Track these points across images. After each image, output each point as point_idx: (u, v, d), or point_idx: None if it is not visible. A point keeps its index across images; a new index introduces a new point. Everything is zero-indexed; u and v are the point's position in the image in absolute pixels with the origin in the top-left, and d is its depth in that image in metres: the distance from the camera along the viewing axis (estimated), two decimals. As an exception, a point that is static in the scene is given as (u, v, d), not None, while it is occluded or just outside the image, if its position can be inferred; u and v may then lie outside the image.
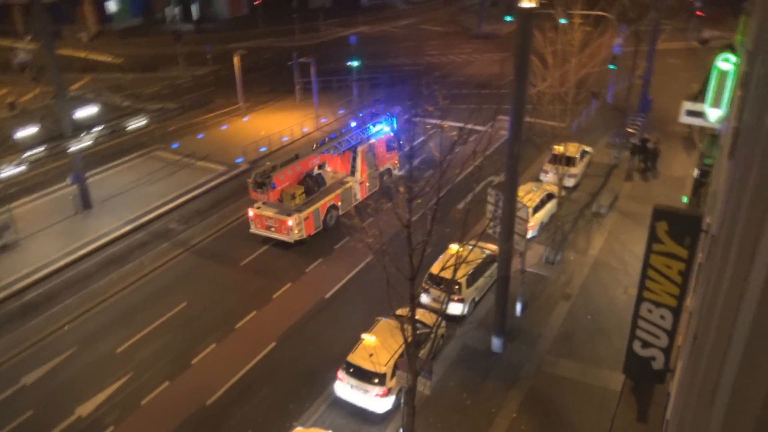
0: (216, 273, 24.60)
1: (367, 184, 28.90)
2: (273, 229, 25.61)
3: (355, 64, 40.46)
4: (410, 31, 64.79)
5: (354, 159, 28.28)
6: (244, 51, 42.64)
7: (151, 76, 50.53)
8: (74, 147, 28.63)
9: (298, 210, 25.51)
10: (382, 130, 29.60)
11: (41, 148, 31.87)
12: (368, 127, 29.00)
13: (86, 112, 33.93)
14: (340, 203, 27.34)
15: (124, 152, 35.99)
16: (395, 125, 29.66)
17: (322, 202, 26.36)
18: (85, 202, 29.39)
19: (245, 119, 40.42)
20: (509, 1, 58.24)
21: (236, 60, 39.52)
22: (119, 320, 22.03)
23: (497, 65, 47.13)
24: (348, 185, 27.87)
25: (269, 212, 25.55)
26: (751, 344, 2.65)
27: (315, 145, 28.08)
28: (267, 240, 26.31)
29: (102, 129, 38.09)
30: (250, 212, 26.10)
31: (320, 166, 28.29)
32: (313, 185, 27.06)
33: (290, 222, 25.05)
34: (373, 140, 29.00)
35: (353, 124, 29.64)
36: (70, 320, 22.09)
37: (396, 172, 30.54)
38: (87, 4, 64.12)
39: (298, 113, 40.22)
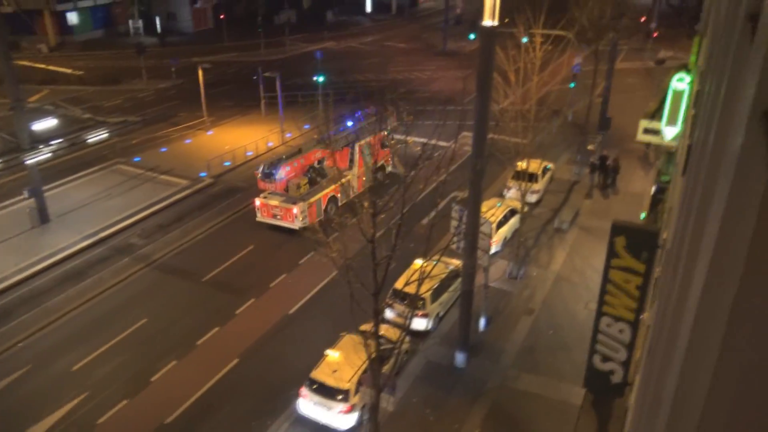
0: (178, 289, 24.20)
1: (364, 179, 30.64)
2: (279, 216, 27.41)
3: (320, 79, 40.55)
4: (375, 48, 65.28)
5: (352, 154, 30.18)
6: (209, 65, 42.36)
7: (112, 89, 49.79)
8: (32, 159, 27.97)
9: (303, 199, 27.24)
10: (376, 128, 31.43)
11: (-3, 161, 31.04)
12: (364, 126, 30.93)
13: (45, 124, 33.18)
14: (339, 195, 28.93)
15: (84, 165, 35.28)
16: (389, 125, 31.82)
17: (324, 192, 28.15)
18: (42, 216, 28.65)
19: (209, 133, 40.08)
20: (473, 20, 59.23)
21: (200, 73, 39.24)
22: (76, 337, 21.46)
23: (461, 82, 47.70)
24: (347, 178, 29.13)
25: (275, 201, 27.43)
26: (689, 355, 2.73)
27: (316, 141, 29.87)
28: (232, 253, 26.03)
29: (61, 142, 37.29)
30: (257, 201, 27.93)
31: (320, 161, 30.49)
32: (315, 177, 29.23)
33: (295, 210, 26.82)
34: (369, 138, 30.60)
35: (350, 123, 31.73)
36: (25, 337, 21.42)
37: (389, 169, 32.64)
38: (47, 15, 62.97)
39: (264, 128, 40.05)
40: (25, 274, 24.80)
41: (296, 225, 26.93)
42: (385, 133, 31.79)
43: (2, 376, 19.67)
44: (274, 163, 28.34)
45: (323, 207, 28.13)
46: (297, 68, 51.95)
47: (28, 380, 19.58)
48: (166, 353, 20.50)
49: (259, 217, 27.96)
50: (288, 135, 38.88)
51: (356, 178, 30.13)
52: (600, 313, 12.10)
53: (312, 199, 27.53)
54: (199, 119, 41.35)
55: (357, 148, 30.06)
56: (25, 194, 28.57)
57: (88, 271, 25.29)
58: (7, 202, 30.66)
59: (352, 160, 30.27)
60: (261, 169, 28.45)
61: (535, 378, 18.87)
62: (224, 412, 18.08)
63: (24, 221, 28.42)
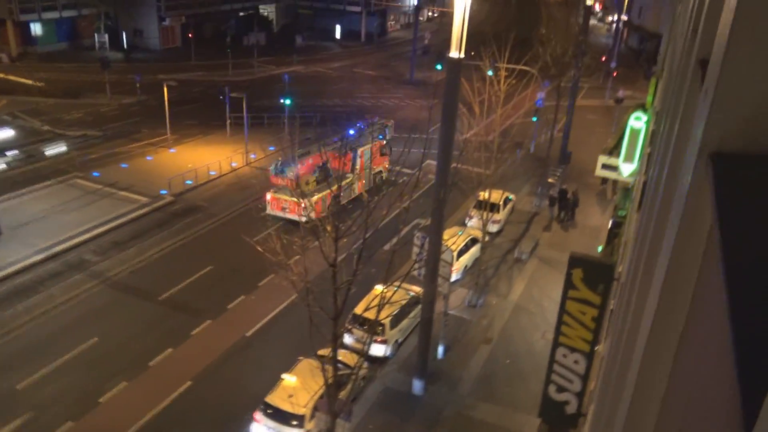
0: (132, 308, 23.61)
1: (363, 181, 33.26)
2: (287, 210, 29.69)
3: (287, 102, 40.58)
4: (344, 73, 65.73)
5: (354, 159, 32.51)
6: (174, 82, 41.96)
7: (74, 102, 48.84)
8: (-15, 170, 27.20)
9: (310, 194, 28.37)
10: (376, 137, 34.54)
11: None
12: (365, 134, 33.60)
13: (1, 134, 32.36)
14: (342, 194, 30.23)
15: (40, 178, 34.35)
16: (387, 134, 35.21)
17: (328, 190, 28.85)
18: (-7, 228, 27.77)
19: (172, 151, 39.57)
20: (440, 51, 60.24)
21: (165, 90, 38.82)
22: (22, 355, 20.68)
23: (426, 111, 48.26)
24: (348, 180, 31.80)
25: (284, 195, 29.56)
26: (638, 387, 2.81)
27: (323, 143, 31.87)
28: (190, 273, 25.56)
29: (17, 153, 36.38)
30: (268, 195, 30.46)
31: (325, 163, 31.77)
32: (322, 176, 30.87)
33: (304, 204, 28.29)
34: (369, 145, 33.46)
35: (352, 131, 33.81)
36: (-33, 355, 20.60)
37: (386, 175, 34.62)
38: (10, 25, 61.71)
39: (228, 148, 39.75)
40: (-28, 289, 23.90)
41: (303, 218, 28.16)
42: (384, 141, 34.81)
43: (-59, 395, 18.82)
44: (286, 161, 30.30)
45: (327, 204, 29.07)
46: (264, 90, 51.91)
47: (-32, 399, 18.76)
48: (116, 374, 19.91)
49: (268, 210, 30.19)
50: (252, 156, 38.67)
51: (357, 180, 32.62)
52: (556, 344, 12.26)
53: (318, 196, 28.86)
54: (162, 136, 40.81)
55: (359, 154, 32.40)
56: (-24, 206, 27.70)
57: (38, 287, 24.50)
58: (-44, 213, 29.61)
59: (353, 164, 32.50)
60: (274, 165, 30.72)
61: (491, 407, 18.92)
62: (175, 437, 17.60)
63: (-27, 233, 27.49)
